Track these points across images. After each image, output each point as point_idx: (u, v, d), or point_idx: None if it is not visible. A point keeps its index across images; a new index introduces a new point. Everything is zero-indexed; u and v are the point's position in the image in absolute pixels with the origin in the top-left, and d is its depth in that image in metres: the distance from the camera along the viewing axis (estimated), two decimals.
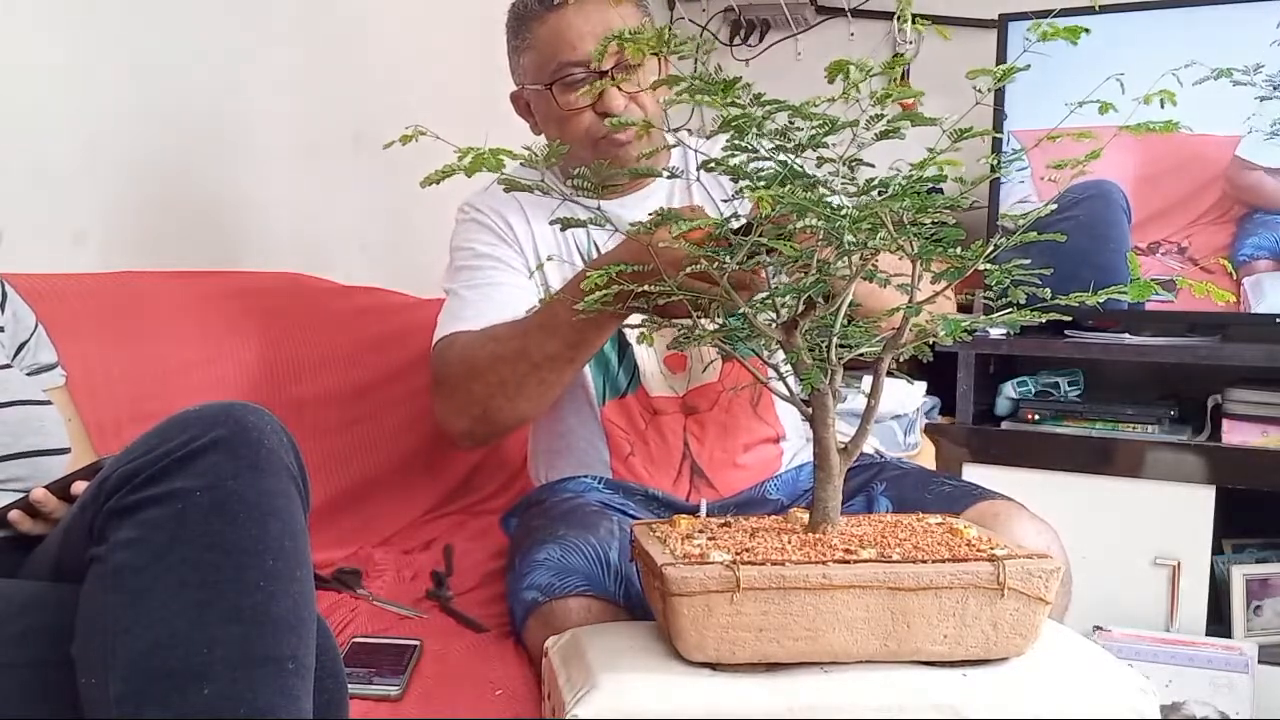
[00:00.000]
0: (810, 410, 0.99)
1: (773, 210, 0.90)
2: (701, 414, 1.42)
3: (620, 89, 1.36)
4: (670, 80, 0.94)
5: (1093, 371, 2.42)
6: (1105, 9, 1.89)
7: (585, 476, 1.44)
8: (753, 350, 1.10)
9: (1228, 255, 2.19)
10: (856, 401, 1.69)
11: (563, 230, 1.04)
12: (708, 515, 1.10)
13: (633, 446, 1.43)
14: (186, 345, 1.39)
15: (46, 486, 0.97)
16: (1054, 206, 0.98)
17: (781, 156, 0.95)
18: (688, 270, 0.98)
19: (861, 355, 1.02)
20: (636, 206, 1.40)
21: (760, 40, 2.94)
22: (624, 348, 1.43)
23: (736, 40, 2.94)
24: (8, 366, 1.09)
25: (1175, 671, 2.08)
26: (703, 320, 1.04)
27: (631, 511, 1.39)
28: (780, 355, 1.02)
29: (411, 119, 0.96)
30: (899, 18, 2.72)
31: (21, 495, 0.98)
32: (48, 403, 1.09)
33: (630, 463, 1.43)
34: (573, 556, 1.19)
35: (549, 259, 1.40)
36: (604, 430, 1.43)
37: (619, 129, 1.31)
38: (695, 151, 1.20)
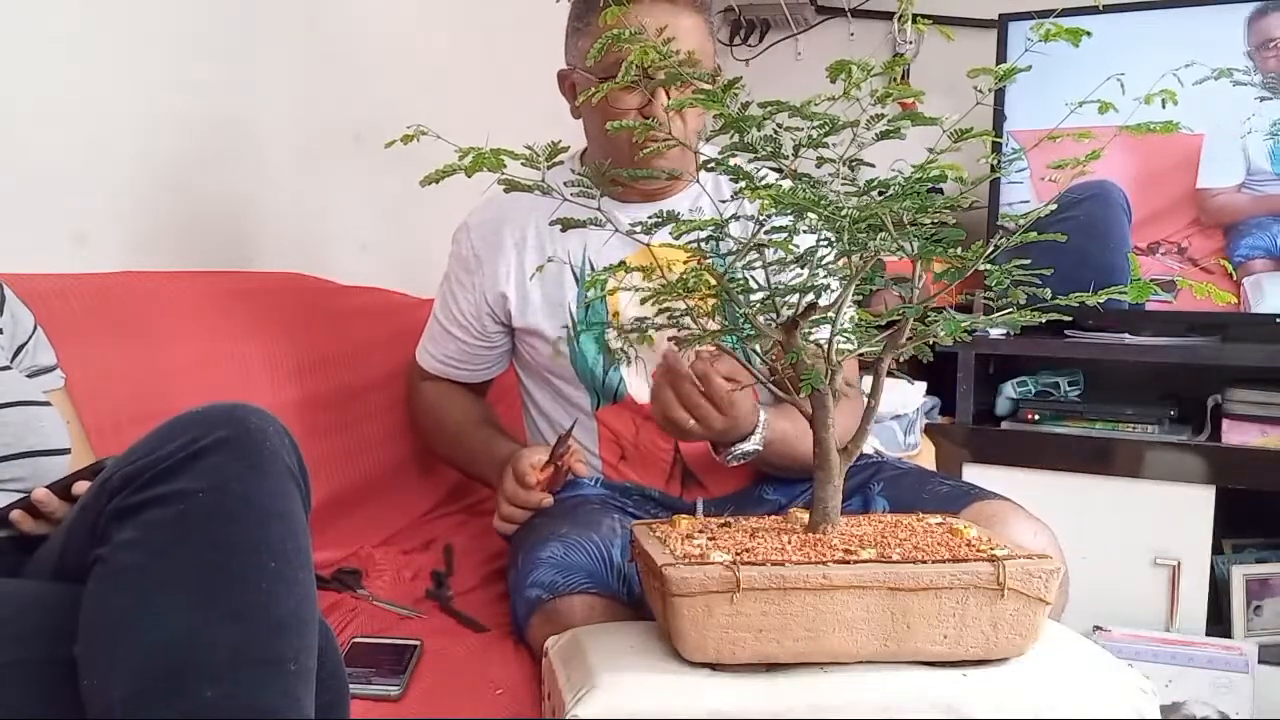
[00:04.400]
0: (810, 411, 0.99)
1: (775, 209, 0.90)
2: None
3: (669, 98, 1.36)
4: (707, 100, 0.94)
5: (1093, 371, 2.42)
6: (1105, 9, 1.89)
7: (582, 478, 1.45)
8: (753, 352, 1.10)
9: (1225, 255, 2.19)
10: None
11: (563, 230, 1.05)
12: (705, 514, 1.10)
13: (625, 450, 1.44)
14: (186, 345, 1.39)
15: (48, 486, 0.97)
16: (1054, 206, 0.98)
17: (779, 158, 0.95)
18: None
19: (861, 355, 1.02)
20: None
21: (760, 40, 2.94)
22: (612, 364, 1.42)
23: (736, 40, 2.94)
24: (7, 368, 1.08)
25: (1175, 671, 2.08)
26: (704, 319, 1.05)
27: (631, 510, 1.39)
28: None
29: (411, 119, 0.96)
30: (899, 18, 2.72)
31: (23, 495, 0.98)
32: (47, 404, 1.08)
33: (621, 467, 1.44)
34: (576, 554, 1.20)
35: (549, 260, 1.40)
36: (598, 435, 1.44)
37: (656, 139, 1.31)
38: (698, 154, 1.20)
